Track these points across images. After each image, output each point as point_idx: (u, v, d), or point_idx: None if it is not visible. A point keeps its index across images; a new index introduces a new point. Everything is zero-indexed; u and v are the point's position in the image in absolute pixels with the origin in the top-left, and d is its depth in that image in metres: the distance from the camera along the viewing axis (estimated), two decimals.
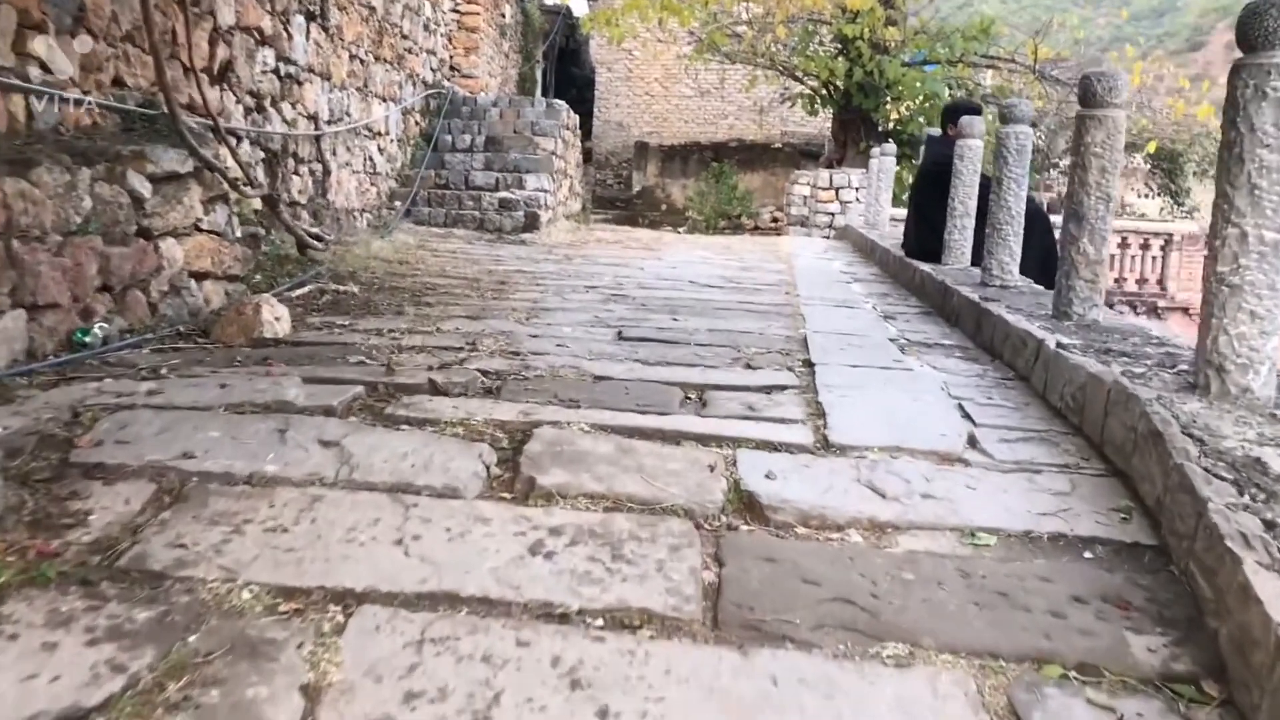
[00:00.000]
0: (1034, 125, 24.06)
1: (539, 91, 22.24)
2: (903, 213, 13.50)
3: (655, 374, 3.45)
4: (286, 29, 7.10)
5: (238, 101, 6.23)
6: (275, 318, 3.94)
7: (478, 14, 15.04)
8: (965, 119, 6.72)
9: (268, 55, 6.78)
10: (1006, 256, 5.43)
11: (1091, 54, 19.66)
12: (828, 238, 15.41)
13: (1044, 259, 6.92)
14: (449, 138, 11.53)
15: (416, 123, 11.33)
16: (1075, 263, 3.97)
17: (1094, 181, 3.93)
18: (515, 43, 19.93)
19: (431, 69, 12.09)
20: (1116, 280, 17.90)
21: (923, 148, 8.26)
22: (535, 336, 4.09)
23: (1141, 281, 18.25)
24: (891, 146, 12.35)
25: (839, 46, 18.18)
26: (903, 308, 5.86)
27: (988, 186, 6.81)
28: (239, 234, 4.77)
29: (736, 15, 18.28)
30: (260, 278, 5.07)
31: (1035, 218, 6.98)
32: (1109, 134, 3.92)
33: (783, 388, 3.33)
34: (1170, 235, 18.38)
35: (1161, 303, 18.32)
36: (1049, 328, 3.85)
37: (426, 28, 11.66)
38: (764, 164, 22.02)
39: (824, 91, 18.84)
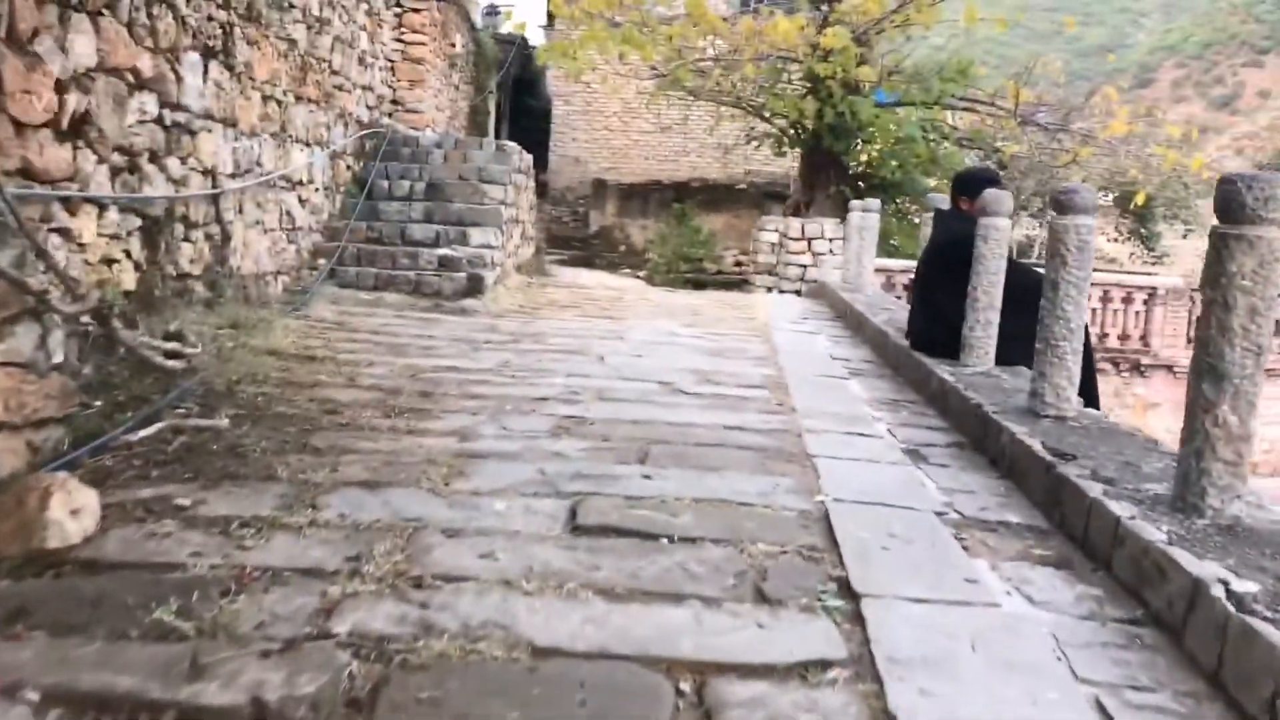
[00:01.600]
0: (1003, 166, 23.26)
1: (491, 124, 21.09)
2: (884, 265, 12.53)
3: (627, 635, 2.26)
4: (174, 69, 5.86)
5: (100, 161, 4.97)
6: (72, 511, 2.70)
7: (424, 44, 13.87)
8: (989, 194, 5.62)
9: (147, 101, 5.53)
10: (1064, 380, 4.30)
11: (1067, 95, 18.86)
12: (798, 292, 14.35)
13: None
14: (385, 183, 10.30)
15: (349, 167, 10.09)
16: (1211, 437, 2.83)
17: (1240, 326, 2.81)
18: (467, 73, 18.76)
19: (368, 106, 10.87)
20: (1099, 337, 16.97)
21: (930, 219, 7.17)
22: (453, 533, 2.88)
23: (1124, 338, 17.36)
24: (875, 203, 11.31)
25: (809, 85, 17.24)
26: (926, 433, 4.71)
27: (1010, 271, 5.73)
28: (59, 358, 3.52)
29: (702, 51, 17.26)
30: (100, 406, 3.82)
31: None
32: (1262, 261, 2.80)
33: (824, 664, 2.16)
34: (1154, 289, 17.51)
35: (1145, 360, 17.45)
36: (1183, 535, 2.71)
37: (362, 61, 10.44)
38: (727, 205, 21.00)
39: (792, 131, 17.86)
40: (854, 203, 12.37)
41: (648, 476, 3.56)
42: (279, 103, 7.82)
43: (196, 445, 3.60)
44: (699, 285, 19.16)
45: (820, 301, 11.46)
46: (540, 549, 2.79)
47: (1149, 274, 19.09)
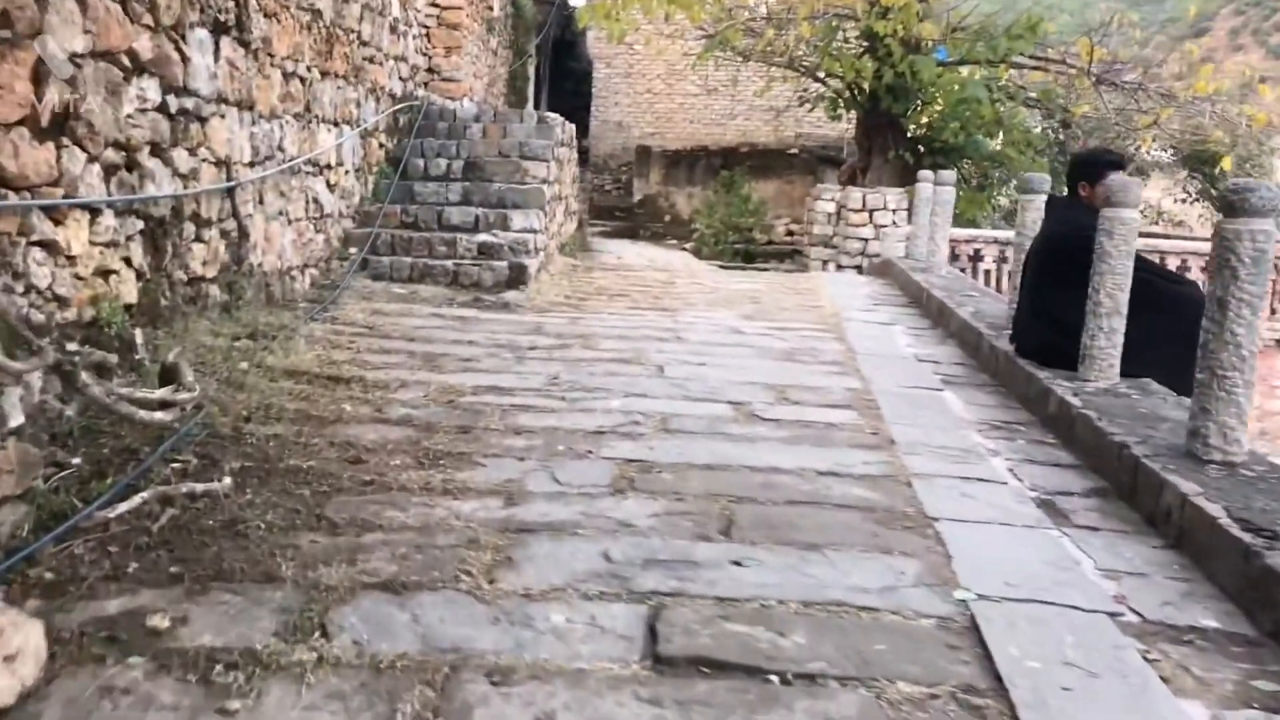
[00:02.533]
0: (1066, 126, 22.22)
1: (531, 89, 20.30)
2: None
3: None
4: (180, 49, 5.18)
5: (91, 160, 4.32)
6: (6, 658, 2.06)
7: (460, 9, 13.10)
8: (1114, 179, 4.83)
9: (147, 88, 4.86)
10: (1234, 418, 3.55)
11: (1143, 52, 17.75)
12: (859, 268, 13.54)
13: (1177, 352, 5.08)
14: (420, 162, 9.61)
15: (381, 145, 9.41)
16: None
17: None
18: (505, 38, 17.97)
19: (401, 78, 10.17)
20: None
21: (1040, 207, 6.37)
22: (500, 676, 2.20)
23: None
24: (950, 174, 10.46)
25: (866, 44, 16.34)
26: (1055, 473, 3.98)
27: (1138, 269, 4.95)
28: (16, 420, 2.88)
29: (753, 9, 16.37)
30: (77, 467, 3.18)
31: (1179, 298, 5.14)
32: None
33: None
34: (1189, 254, 16.44)
35: None
36: None
37: (394, 29, 9.72)
38: (778, 171, 20.11)
39: (848, 93, 16.95)
40: (923, 173, 11.53)
41: (738, 563, 2.86)
42: (302, 80, 7.14)
43: (187, 521, 2.95)
44: (749, 257, 18.39)
45: (888, 282, 10.66)
46: (614, 703, 2.11)
47: (1187, 237, 17.98)
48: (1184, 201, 27.87)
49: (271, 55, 6.49)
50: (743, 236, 18.98)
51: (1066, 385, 4.78)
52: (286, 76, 6.83)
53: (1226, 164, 15.12)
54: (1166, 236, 17.73)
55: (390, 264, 8.11)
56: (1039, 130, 20.87)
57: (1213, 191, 27.38)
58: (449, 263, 8.18)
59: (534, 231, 8.84)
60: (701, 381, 5.28)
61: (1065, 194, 5.59)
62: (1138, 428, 4.03)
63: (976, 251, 15.48)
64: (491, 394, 4.76)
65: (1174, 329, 5.07)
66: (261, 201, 6.49)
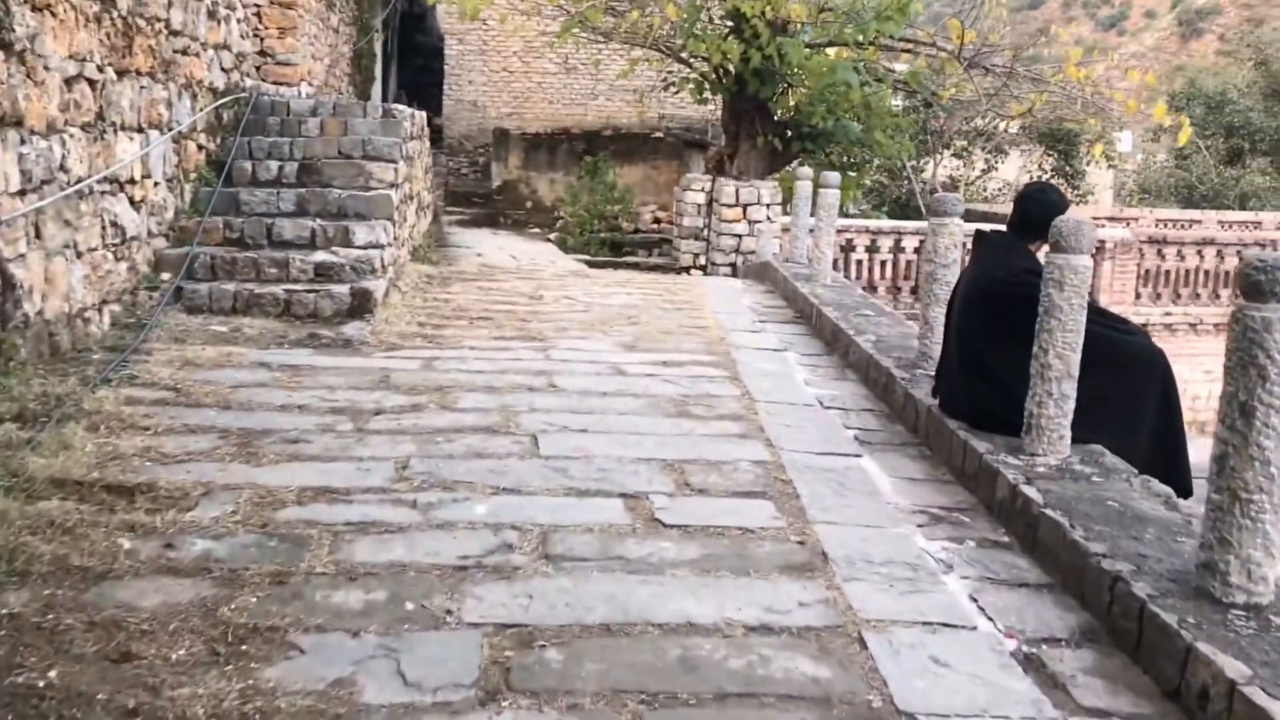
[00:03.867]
0: (928, 105, 22.04)
1: (379, 68, 18.92)
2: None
3: None
4: None
5: None
6: None
7: None
8: (1064, 224, 4.11)
9: None
10: (1259, 550, 2.85)
11: (1012, 34, 17.49)
12: (733, 266, 12.83)
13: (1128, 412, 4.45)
14: (248, 165, 8.41)
15: (200, 147, 8.17)
16: None
17: None
18: (348, 13, 16.59)
19: (223, 68, 8.90)
20: None
21: (955, 232, 5.67)
22: None
23: None
24: (836, 176, 9.75)
25: (732, 25, 15.60)
26: (1029, 601, 3.24)
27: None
28: None
29: None
30: None
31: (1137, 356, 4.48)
32: None
33: None
34: (1102, 242, 16.41)
35: None
36: None
37: (212, 14, 8.45)
38: (643, 156, 19.29)
39: (714, 76, 16.20)
40: (802, 169, 10.86)
41: None
42: (93, 83, 5.93)
43: None
44: (616, 248, 17.54)
45: (769, 289, 9.94)
46: None
47: (1098, 225, 17.93)
48: (1039, 178, 28.17)
49: (44, 57, 5.28)
50: (608, 225, 18.12)
51: (1014, 465, 4.07)
52: (69, 81, 5.62)
53: (1098, 151, 14.98)
54: None
55: (210, 292, 6.95)
56: (901, 110, 20.57)
57: (1067, 169, 27.77)
58: (280, 289, 7.06)
59: (380, 246, 7.78)
60: (586, 460, 4.39)
61: (999, 230, 4.87)
62: (1121, 540, 3.32)
63: (849, 241, 14.99)
64: (322, 502, 3.77)
65: (1124, 384, 4.44)
66: (39, 236, 5.30)
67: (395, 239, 8.45)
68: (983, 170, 27.48)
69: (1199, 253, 16.58)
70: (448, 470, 4.18)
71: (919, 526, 3.88)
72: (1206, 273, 16.64)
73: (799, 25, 15.11)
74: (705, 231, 14.60)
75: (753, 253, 12.43)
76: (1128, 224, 20.68)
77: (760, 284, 10.34)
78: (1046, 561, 3.50)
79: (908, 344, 6.45)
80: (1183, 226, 22.03)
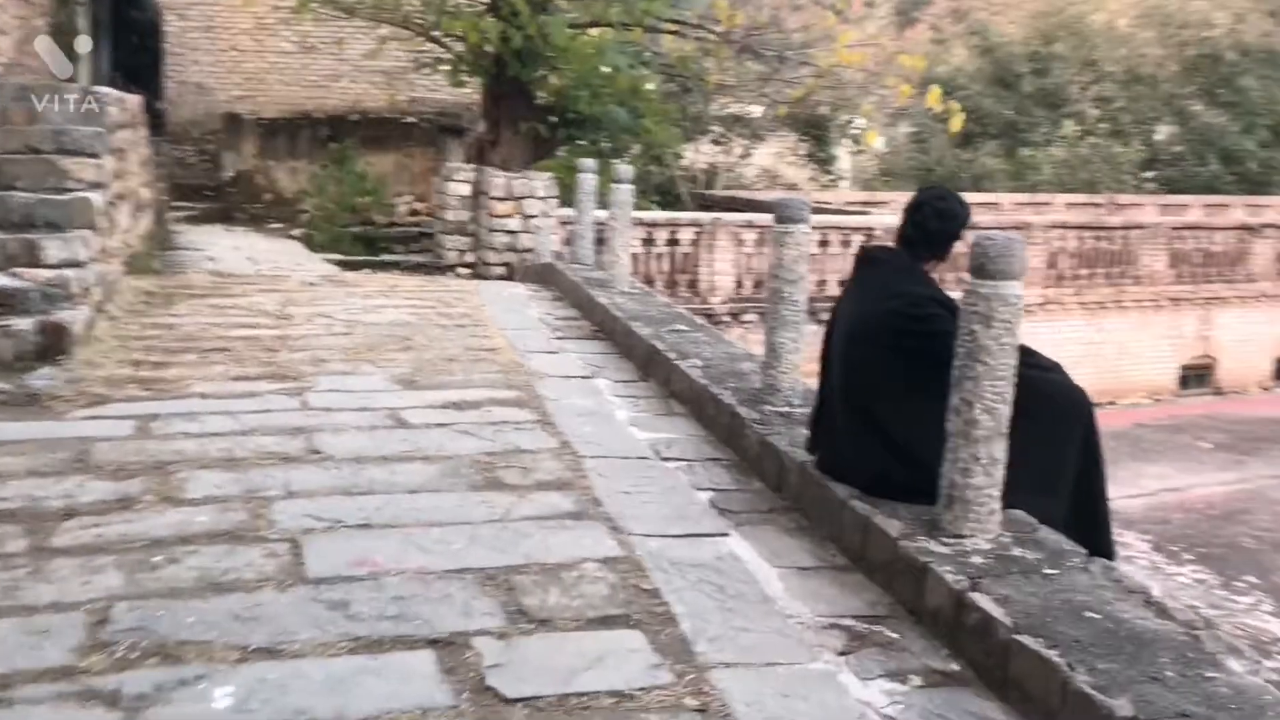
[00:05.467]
0: (687, 91, 21.60)
1: (86, 45, 16.46)
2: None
3: None
4: None
5: None
6: None
7: None
8: (991, 242, 3.21)
9: None
10: None
11: (779, 18, 17.03)
12: (508, 268, 11.64)
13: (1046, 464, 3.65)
14: None
15: None
16: None
17: None
18: None
19: None
20: (816, 284, 15.42)
21: (803, 241, 4.75)
22: None
23: (844, 284, 15.97)
24: (628, 169, 8.73)
25: (488, 2, 14.39)
26: None
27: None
28: None
29: None
30: None
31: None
32: None
33: None
34: (871, 229, 16.23)
35: None
36: None
37: None
38: (396, 142, 17.72)
39: (471, 57, 14.92)
40: (585, 161, 9.83)
41: None
42: None
43: None
44: (370, 243, 16.00)
45: (558, 297, 8.83)
46: None
47: (863, 213, 17.85)
48: (794, 165, 28.31)
49: None
50: (360, 218, 16.55)
51: (943, 554, 3.16)
52: None
53: (871, 138, 14.72)
54: (843, 211, 17.15)
55: None
56: (660, 95, 19.93)
57: (820, 154, 28.06)
58: None
59: (80, 264, 6.17)
60: (374, 582, 3.16)
61: (887, 248, 3.97)
62: (1139, 683, 2.43)
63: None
64: None
65: (1044, 433, 3.60)
66: None
67: (102, 252, 6.81)
68: (741, 156, 27.33)
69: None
70: (170, 621, 2.85)
71: (840, 655, 2.90)
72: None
73: (562, 4, 14.16)
74: (472, 226, 13.37)
75: (530, 251, 11.29)
76: (877, 207, 20.80)
77: (546, 290, 9.22)
78: (1034, 711, 2.58)
79: (740, 368, 5.53)
80: None
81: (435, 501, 3.90)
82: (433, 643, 2.81)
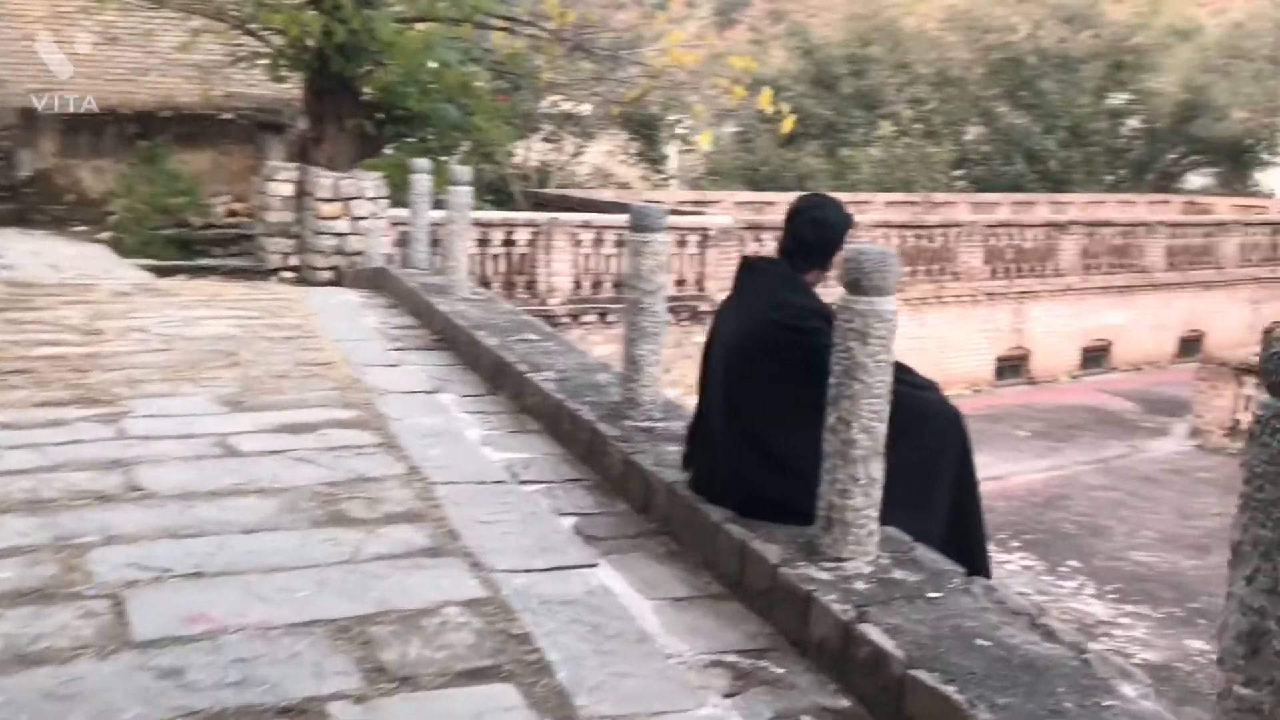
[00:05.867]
0: (517, 89, 21.38)
1: None
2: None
3: None
4: None
5: None
6: None
7: None
8: (864, 256, 3.12)
9: None
10: None
11: (609, 16, 16.92)
12: (336, 272, 11.11)
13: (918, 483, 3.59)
14: None
15: None
16: None
17: None
18: None
19: None
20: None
21: (661, 250, 4.59)
22: None
23: (680, 283, 16.06)
24: (466, 170, 8.42)
25: None
26: None
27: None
28: None
29: None
30: None
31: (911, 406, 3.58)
32: None
33: None
34: (707, 230, 16.35)
35: (703, 306, 16.30)
36: None
37: None
38: (212, 140, 16.82)
39: (292, 52, 14.25)
40: (419, 161, 9.47)
41: None
42: None
43: None
44: (185, 246, 15.11)
45: (393, 304, 8.45)
46: None
47: (698, 213, 17.92)
48: (625, 164, 28.33)
49: None
50: (175, 220, 15.63)
51: (824, 581, 3.04)
52: None
53: (706, 139, 14.75)
54: (677, 211, 17.05)
55: None
56: (490, 92, 19.59)
57: (651, 154, 28.17)
58: None
59: None
60: (211, 645, 2.83)
61: (768, 258, 3.84)
62: (1037, 713, 2.36)
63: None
64: None
65: (919, 452, 3.53)
66: None
67: None
68: (572, 155, 27.17)
69: (777, 237, 17.00)
70: None
71: (726, 697, 2.74)
72: None
73: None
74: (296, 228, 12.75)
75: (360, 254, 10.81)
76: (708, 207, 20.97)
77: (380, 296, 8.82)
78: None
79: (597, 380, 5.35)
80: (757, 209, 22.80)
81: (275, 542, 3.56)
82: (283, 712, 2.52)
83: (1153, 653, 8.87)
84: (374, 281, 9.36)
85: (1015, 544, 11.47)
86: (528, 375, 5.42)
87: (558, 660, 2.83)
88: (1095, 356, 20.32)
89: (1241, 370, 15.11)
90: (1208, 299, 21.29)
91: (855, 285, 3.11)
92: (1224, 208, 27.16)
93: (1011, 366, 19.58)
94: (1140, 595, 10.13)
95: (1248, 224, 22.35)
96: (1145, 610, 9.77)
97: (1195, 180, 35.22)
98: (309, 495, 4.02)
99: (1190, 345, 20.79)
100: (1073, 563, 10.98)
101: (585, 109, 25.19)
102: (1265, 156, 32.57)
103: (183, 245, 15.18)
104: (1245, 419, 14.99)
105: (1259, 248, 22.09)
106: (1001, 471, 14.30)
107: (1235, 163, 32.73)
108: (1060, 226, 20.11)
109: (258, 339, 6.85)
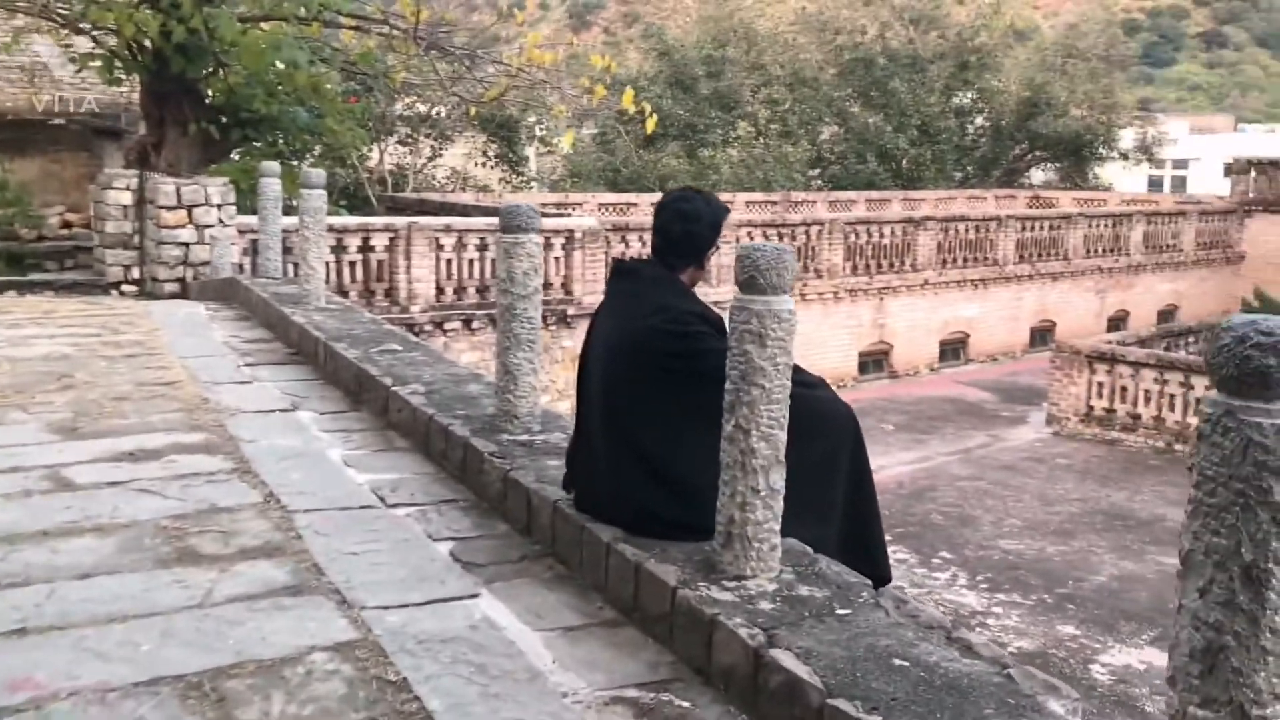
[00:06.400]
0: (370, 90, 20.80)
1: None
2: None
3: None
4: None
5: None
6: None
7: None
8: (760, 254, 2.91)
9: None
10: None
11: (467, 16, 16.55)
12: (182, 282, 10.48)
13: (815, 489, 3.43)
14: None
15: None
16: None
17: None
18: None
19: None
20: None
21: (535, 252, 4.32)
22: None
23: (547, 286, 15.78)
24: (320, 174, 7.98)
25: None
26: None
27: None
28: None
29: None
30: None
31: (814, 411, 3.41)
32: None
33: None
34: (572, 232, 16.11)
35: (571, 310, 16.06)
36: None
37: None
38: (41, 147, 15.82)
39: (127, 52, 13.44)
40: (268, 165, 8.95)
41: None
42: None
43: None
44: (17, 262, 14.11)
45: (243, 315, 7.95)
46: None
47: (563, 215, 17.67)
48: (484, 166, 27.86)
49: None
50: (3, 234, 14.61)
51: (729, 604, 2.83)
52: None
53: (569, 139, 14.51)
54: (543, 214, 16.77)
55: None
56: (340, 94, 18.99)
57: (510, 156, 27.76)
58: None
59: None
60: (38, 716, 2.45)
61: (642, 261, 3.60)
62: None
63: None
64: None
65: (813, 455, 3.34)
66: None
67: None
68: (429, 157, 26.58)
69: (643, 239, 16.90)
70: None
71: None
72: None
73: None
74: (137, 239, 12.00)
75: (207, 264, 10.21)
76: (571, 209, 20.75)
77: (229, 308, 8.30)
78: None
79: (467, 392, 5.05)
80: (621, 211, 22.68)
81: (114, 587, 3.17)
82: None
83: (1026, 640, 9.00)
84: (223, 293, 8.81)
85: (889, 537, 11.52)
86: (393, 388, 5.08)
87: (440, 709, 2.55)
88: (953, 349, 20.85)
89: (1093, 358, 15.63)
90: (1056, 289, 22.09)
91: (751, 284, 2.91)
92: (1067, 201, 28.33)
93: (874, 361, 19.92)
94: (1010, 584, 10.29)
95: (1091, 217, 23.26)
96: (1016, 598, 9.93)
97: (1039, 175, 36.67)
98: (153, 531, 3.62)
99: (1042, 335, 21.54)
100: (945, 554, 11.11)
101: (442, 111, 24.69)
102: (1102, 151, 34.09)
103: (11, 260, 14.19)
104: (1099, 405, 15.54)
105: (1102, 239, 23.02)
106: (871, 466, 14.47)
107: (1075, 158, 34.17)
108: (917, 223, 20.54)
109: (95, 358, 6.31)
